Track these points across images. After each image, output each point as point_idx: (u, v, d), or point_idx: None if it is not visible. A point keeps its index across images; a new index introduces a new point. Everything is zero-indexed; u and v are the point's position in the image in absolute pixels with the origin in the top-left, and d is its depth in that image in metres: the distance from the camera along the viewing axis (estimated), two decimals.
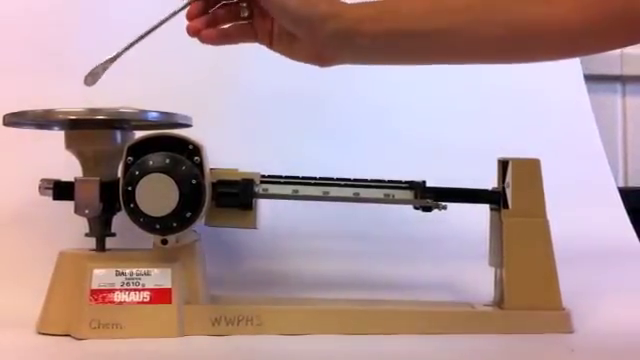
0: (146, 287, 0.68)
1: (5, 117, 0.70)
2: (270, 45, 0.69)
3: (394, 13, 0.65)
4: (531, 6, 0.62)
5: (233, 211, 0.70)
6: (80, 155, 0.71)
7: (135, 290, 0.67)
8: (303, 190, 0.71)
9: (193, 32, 0.68)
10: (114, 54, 0.68)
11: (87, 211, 0.69)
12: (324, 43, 0.65)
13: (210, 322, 0.68)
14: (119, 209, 0.68)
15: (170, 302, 0.67)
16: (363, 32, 0.64)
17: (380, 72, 0.71)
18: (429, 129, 0.92)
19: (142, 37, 0.68)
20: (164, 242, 0.67)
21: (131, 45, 0.68)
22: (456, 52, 0.66)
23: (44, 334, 0.68)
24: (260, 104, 0.90)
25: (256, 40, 0.69)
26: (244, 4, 0.67)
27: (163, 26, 0.92)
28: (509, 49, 0.65)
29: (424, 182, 0.72)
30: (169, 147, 0.67)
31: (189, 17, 0.68)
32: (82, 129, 0.71)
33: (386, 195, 0.72)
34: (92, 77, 0.68)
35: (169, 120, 0.72)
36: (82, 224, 0.72)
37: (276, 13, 0.65)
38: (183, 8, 0.68)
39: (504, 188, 0.73)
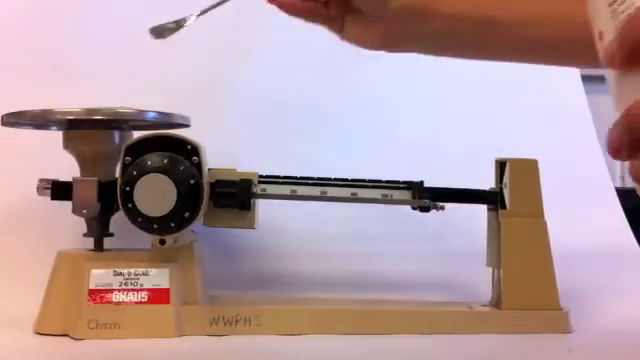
0: (144, 287, 0.68)
1: (3, 117, 0.70)
2: (340, 31, 0.66)
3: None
4: None
5: (231, 211, 0.70)
6: (78, 155, 0.71)
7: (133, 290, 0.67)
8: (301, 190, 0.71)
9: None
10: (187, 17, 0.66)
11: (85, 211, 0.69)
12: (395, 19, 0.63)
13: (208, 322, 0.68)
14: (117, 209, 0.68)
15: (168, 302, 0.67)
16: (436, 11, 0.62)
17: (379, 72, 0.71)
18: (427, 129, 0.93)
19: (218, 4, 0.66)
20: (162, 242, 0.67)
21: (206, 11, 0.66)
22: (523, 47, 0.64)
23: (42, 334, 0.68)
24: (258, 104, 0.90)
25: (328, 24, 0.67)
26: None
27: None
28: (579, 51, 0.63)
29: (422, 182, 0.72)
30: (167, 147, 0.67)
31: None
32: (80, 129, 0.71)
33: (384, 195, 0.72)
34: (161, 30, 0.66)
35: (167, 120, 0.72)
36: (80, 224, 0.71)
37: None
38: None
39: (502, 188, 0.73)
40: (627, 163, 0.37)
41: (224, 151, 0.74)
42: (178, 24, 0.66)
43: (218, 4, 0.66)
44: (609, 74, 0.37)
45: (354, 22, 0.65)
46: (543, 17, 0.63)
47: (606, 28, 0.37)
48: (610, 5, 0.36)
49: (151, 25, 0.66)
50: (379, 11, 0.63)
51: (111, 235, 0.72)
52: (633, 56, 0.34)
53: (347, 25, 0.66)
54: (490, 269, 0.74)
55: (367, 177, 0.73)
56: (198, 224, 0.69)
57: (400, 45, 0.66)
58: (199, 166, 0.67)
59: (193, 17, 0.66)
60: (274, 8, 0.69)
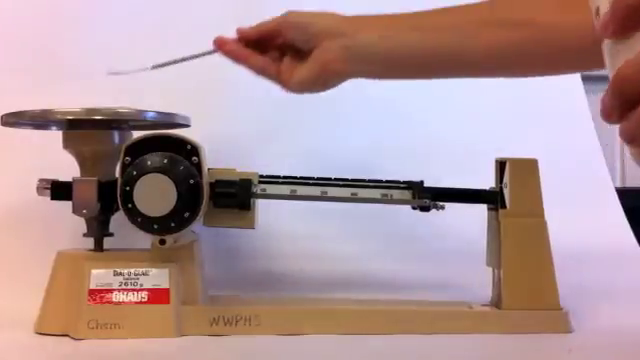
0: (144, 287, 0.68)
1: (3, 117, 0.70)
2: (288, 81, 0.71)
3: (417, 27, 0.67)
4: (553, 11, 0.64)
5: (231, 211, 0.70)
6: (78, 155, 0.71)
7: (133, 290, 0.67)
8: (301, 190, 0.71)
9: (219, 43, 0.71)
10: (145, 68, 0.71)
11: (85, 211, 0.69)
12: (325, 40, 0.67)
13: (208, 322, 0.68)
14: (117, 209, 0.68)
15: (168, 302, 0.67)
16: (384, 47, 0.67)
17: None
18: (427, 129, 0.93)
19: (174, 62, 0.71)
20: (162, 242, 0.67)
21: (160, 66, 0.71)
22: (471, 66, 0.68)
23: (42, 334, 0.68)
24: (258, 104, 0.90)
25: (275, 78, 0.72)
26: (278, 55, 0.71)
27: (161, 26, 0.93)
28: (528, 57, 0.66)
29: (422, 182, 0.72)
30: (167, 147, 0.67)
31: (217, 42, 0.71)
32: (80, 129, 0.71)
33: (384, 195, 0.72)
34: (116, 72, 0.69)
35: (167, 120, 0.72)
36: (80, 224, 0.71)
37: (298, 31, 0.69)
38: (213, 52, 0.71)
39: (502, 188, 0.73)
40: (627, 163, 0.37)
41: (224, 151, 0.74)
42: (133, 72, 0.71)
43: (174, 62, 0.71)
44: (604, 46, 0.38)
45: (300, 67, 0.70)
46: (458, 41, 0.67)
47: (602, 3, 0.38)
48: None
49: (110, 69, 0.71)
50: (315, 38, 0.68)
51: (111, 235, 0.72)
52: (625, 24, 0.36)
53: (296, 71, 0.70)
54: (490, 269, 0.74)
55: (367, 177, 0.73)
56: (198, 224, 0.69)
57: (338, 72, 0.70)
58: (199, 166, 0.67)
59: (148, 68, 0.71)
60: (274, 8, 0.70)
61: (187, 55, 0.71)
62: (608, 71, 0.38)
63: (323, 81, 0.70)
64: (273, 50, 0.72)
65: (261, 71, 0.71)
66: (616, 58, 0.37)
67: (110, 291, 0.67)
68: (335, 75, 0.70)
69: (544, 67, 0.70)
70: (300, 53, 0.70)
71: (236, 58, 0.71)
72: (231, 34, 0.72)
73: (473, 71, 0.71)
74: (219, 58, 0.72)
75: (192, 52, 0.71)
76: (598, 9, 0.38)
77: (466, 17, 0.67)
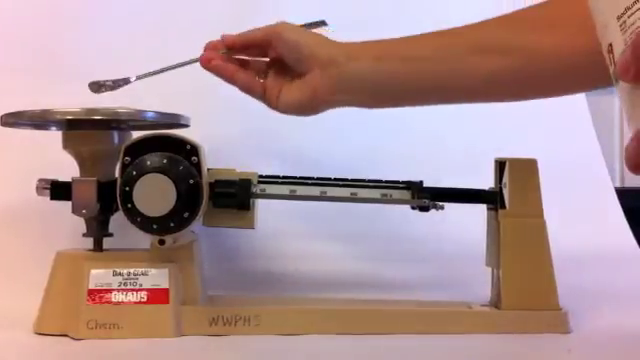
0: (143, 287, 0.68)
1: (2, 117, 0.70)
2: (275, 101, 0.70)
3: (406, 51, 0.67)
4: (549, 36, 0.63)
5: (231, 211, 0.70)
6: (77, 155, 0.71)
7: (132, 290, 0.67)
8: (301, 190, 0.72)
9: (206, 61, 0.70)
10: (127, 78, 0.71)
11: (84, 211, 0.69)
12: (322, 68, 0.67)
13: (207, 322, 0.68)
14: (116, 209, 0.68)
15: (167, 302, 0.67)
16: (370, 71, 0.67)
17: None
18: (427, 129, 0.93)
19: (159, 72, 0.71)
20: (161, 242, 0.67)
21: (144, 76, 0.71)
22: (467, 90, 0.68)
23: (41, 334, 0.68)
24: (258, 104, 0.89)
25: (261, 97, 0.71)
26: (264, 66, 0.71)
27: (160, 26, 0.93)
28: (523, 82, 0.66)
29: (421, 182, 0.72)
30: (167, 147, 0.67)
31: (207, 48, 0.71)
32: (79, 129, 0.71)
33: (383, 195, 0.72)
34: (97, 86, 0.69)
35: (167, 120, 0.72)
36: (79, 224, 0.71)
37: (289, 42, 0.68)
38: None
39: (501, 188, 0.73)
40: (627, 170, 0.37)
41: (224, 151, 0.74)
42: (116, 84, 0.71)
43: (159, 71, 0.71)
44: (621, 87, 0.36)
45: (288, 87, 0.69)
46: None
47: (615, 40, 0.36)
48: (619, 18, 0.36)
49: (92, 80, 0.71)
50: (307, 62, 0.67)
51: (110, 235, 0.72)
52: None
53: (283, 91, 0.70)
54: (489, 269, 0.74)
55: (367, 177, 0.73)
56: (198, 224, 0.69)
57: (329, 100, 0.69)
58: (198, 166, 0.67)
59: (132, 79, 0.71)
60: (273, 8, 0.70)
61: (172, 64, 0.71)
62: (626, 115, 0.36)
63: (313, 107, 0.70)
64: (258, 61, 0.71)
65: (246, 89, 0.71)
66: (636, 102, 0.35)
67: (109, 291, 0.67)
68: (325, 103, 0.70)
69: (541, 91, 0.69)
70: (287, 69, 0.69)
71: (221, 75, 0.70)
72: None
73: (463, 98, 0.71)
74: None
75: (194, 52, 0.71)
76: (611, 46, 0.37)
77: (455, 42, 0.67)
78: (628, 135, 0.35)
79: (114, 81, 0.71)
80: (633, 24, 0.35)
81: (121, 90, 0.74)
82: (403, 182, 0.72)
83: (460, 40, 0.67)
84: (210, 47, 0.71)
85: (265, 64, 0.71)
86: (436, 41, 0.67)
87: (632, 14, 0.35)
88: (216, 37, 0.71)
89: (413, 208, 0.73)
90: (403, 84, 0.68)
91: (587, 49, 0.58)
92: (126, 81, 0.71)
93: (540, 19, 0.65)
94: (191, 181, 0.66)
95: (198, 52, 0.70)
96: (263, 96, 0.71)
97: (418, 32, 0.68)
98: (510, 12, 0.67)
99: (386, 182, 0.72)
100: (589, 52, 0.59)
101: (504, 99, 0.71)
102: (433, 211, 0.72)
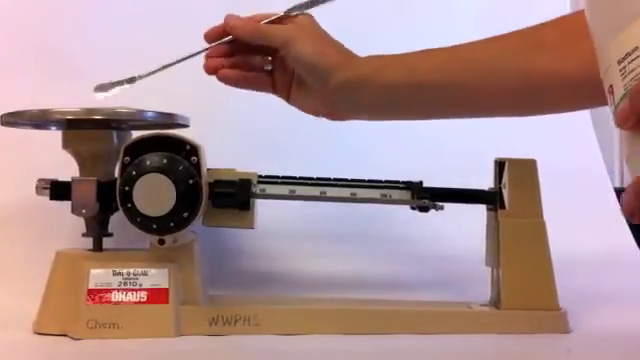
0: (143, 287, 0.68)
1: (2, 117, 0.70)
2: (287, 99, 0.71)
3: (407, 64, 0.67)
4: (546, 57, 0.63)
5: (230, 211, 0.70)
6: (77, 155, 0.71)
7: (132, 290, 0.67)
8: (300, 190, 0.72)
9: (211, 70, 0.70)
10: (133, 77, 0.70)
11: (84, 211, 0.69)
12: (335, 92, 0.67)
13: (207, 322, 0.68)
14: (116, 209, 0.68)
15: (167, 302, 0.67)
16: (376, 82, 0.66)
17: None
18: (426, 129, 0.92)
19: (164, 68, 0.70)
20: (161, 242, 0.67)
21: (151, 73, 0.70)
22: (468, 105, 0.68)
23: (41, 334, 0.68)
24: (257, 104, 0.89)
25: (274, 92, 0.72)
26: (268, 57, 0.70)
27: (160, 26, 0.93)
28: (521, 100, 0.66)
29: (421, 182, 0.72)
30: (166, 147, 0.67)
31: (209, 55, 0.70)
32: (79, 129, 0.71)
33: (383, 195, 0.72)
34: (102, 89, 0.69)
35: (166, 120, 0.72)
36: (79, 224, 0.71)
37: (293, 61, 0.68)
38: (206, 50, 0.70)
39: (500, 188, 0.73)
40: (626, 169, 0.37)
41: (223, 151, 0.74)
42: (120, 83, 0.70)
43: (159, 69, 0.70)
44: (621, 134, 0.36)
45: (299, 91, 0.70)
46: (472, 78, 0.66)
47: (616, 84, 0.37)
48: (620, 62, 0.36)
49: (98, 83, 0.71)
50: (320, 86, 0.67)
51: (110, 235, 0.72)
52: None
53: (293, 93, 0.70)
54: (489, 269, 0.74)
55: (366, 177, 0.73)
56: (197, 224, 0.69)
57: (344, 114, 0.71)
58: (198, 166, 0.67)
59: (134, 79, 0.70)
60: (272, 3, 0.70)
61: (171, 61, 0.70)
62: (625, 158, 0.37)
63: (327, 117, 0.71)
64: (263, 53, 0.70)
65: (256, 89, 0.71)
66: (635, 150, 0.35)
67: (109, 291, 0.67)
68: (339, 118, 0.71)
69: (557, 106, 0.69)
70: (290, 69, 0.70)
71: (227, 83, 0.70)
72: None
73: (476, 112, 0.71)
74: None
75: (193, 51, 0.71)
76: (612, 87, 0.37)
77: (471, 60, 0.66)
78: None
79: (118, 82, 0.71)
80: (633, 70, 0.35)
81: (121, 90, 0.74)
82: (403, 182, 0.73)
83: (478, 55, 0.67)
84: (212, 54, 0.70)
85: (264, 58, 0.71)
86: (442, 57, 0.67)
87: (632, 60, 0.35)
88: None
89: (413, 208, 0.73)
90: (416, 98, 0.68)
91: (578, 72, 0.59)
92: (131, 80, 0.71)
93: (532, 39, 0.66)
94: (191, 181, 0.66)
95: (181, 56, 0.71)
96: (274, 92, 0.71)
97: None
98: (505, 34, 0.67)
99: (386, 182, 0.72)
100: (581, 75, 0.60)
101: (505, 115, 0.72)
102: (433, 211, 0.72)
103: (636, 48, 0.35)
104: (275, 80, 0.71)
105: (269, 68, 0.70)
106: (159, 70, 0.70)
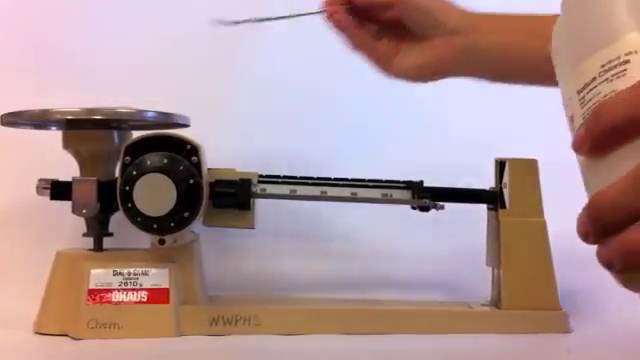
0: (144, 287, 0.68)
1: (2, 117, 0.70)
2: (390, 65, 0.69)
3: (523, 25, 0.66)
4: None
5: (231, 211, 0.70)
6: (77, 155, 0.71)
7: (133, 290, 0.67)
8: (301, 190, 0.71)
9: (330, 12, 0.67)
10: (257, 18, 0.69)
11: (85, 211, 0.69)
12: (451, 34, 0.66)
13: (208, 322, 0.68)
14: (117, 209, 0.68)
15: (168, 302, 0.67)
16: (490, 42, 0.66)
17: (378, 72, 0.71)
18: (427, 129, 0.92)
19: (278, 18, 0.68)
20: (162, 242, 0.67)
21: (273, 19, 0.69)
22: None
23: (41, 334, 0.68)
24: (258, 104, 0.90)
25: (375, 59, 0.70)
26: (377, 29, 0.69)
27: (160, 26, 0.92)
28: None
29: (422, 182, 0.72)
30: (167, 147, 0.67)
31: (330, 2, 0.68)
32: (79, 129, 0.71)
33: (384, 195, 0.72)
34: (225, 23, 0.68)
35: (167, 120, 0.72)
36: (79, 224, 0.71)
37: (417, 12, 0.67)
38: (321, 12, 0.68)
39: (501, 188, 0.73)
40: None
41: (224, 151, 0.74)
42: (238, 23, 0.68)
43: (279, 18, 0.68)
44: (579, 159, 0.38)
45: (406, 50, 0.68)
46: None
47: (575, 113, 0.38)
48: (579, 92, 0.38)
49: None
50: (434, 30, 0.66)
51: (110, 235, 0.72)
52: (599, 144, 0.35)
53: (400, 55, 0.68)
54: (490, 269, 0.74)
55: (367, 177, 0.73)
56: (198, 224, 0.69)
57: (446, 67, 0.68)
58: (198, 166, 0.67)
59: (251, 21, 0.69)
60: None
61: (293, 13, 0.68)
62: (584, 183, 0.38)
63: (431, 74, 0.69)
64: (372, 22, 0.69)
65: (360, 48, 0.69)
66: (589, 175, 0.37)
67: (110, 291, 0.67)
68: (445, 72, 0.69)
69: None
70: (405, 33, 0.68)
71: (338, 27, 0.68)
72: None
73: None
74: (221, 58, 0.72)
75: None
76: (572, 117, 0.39)
77: None
78: None
79: (236, 21, 0.69)
80: (590, 100, 0.37)
81: (121, 90, 0.74)
82: (403, 182, 0.73)
83: None
84: (331, 1, 0.68)
85: (378, 27, 0.69)
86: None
87: (590, 90, 0.37)
88: (217, 37, 0.71)
89: (413, 208, 0.73)
90: (528, 60, 0.66)
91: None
92: (250, 21, 0.68)
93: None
94: (191, 181, 0.66)
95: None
96: (377, 58, 0.70)
97: None
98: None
99: (386, 182, 0.72)
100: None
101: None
102: (433, 211, 0.72)
103: (594, 79, 0.37)
104: (379, 48, 0.69)
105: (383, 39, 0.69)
106: (276, 19, 0.68)
